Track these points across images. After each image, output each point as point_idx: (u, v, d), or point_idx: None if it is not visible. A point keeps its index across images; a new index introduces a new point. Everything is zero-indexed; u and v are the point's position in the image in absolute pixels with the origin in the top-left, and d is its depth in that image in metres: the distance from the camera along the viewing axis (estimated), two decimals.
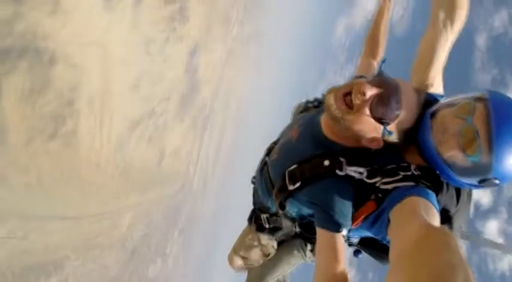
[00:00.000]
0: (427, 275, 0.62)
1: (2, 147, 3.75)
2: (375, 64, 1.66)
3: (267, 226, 1.57)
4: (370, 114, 1.10)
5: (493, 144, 1.02)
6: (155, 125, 8.38)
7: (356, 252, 1.49)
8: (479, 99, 1.07)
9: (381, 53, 1.70)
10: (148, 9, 7.60)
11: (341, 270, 1.08)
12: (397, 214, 1.01)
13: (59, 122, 4.59)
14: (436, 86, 1.37)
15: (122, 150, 6.59)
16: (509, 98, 1.09)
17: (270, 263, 1.69)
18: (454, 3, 1.36)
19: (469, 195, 1.28)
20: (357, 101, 1.10)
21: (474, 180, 1.11)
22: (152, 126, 8.21)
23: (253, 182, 1.62)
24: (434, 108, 1.17)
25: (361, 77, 1.39)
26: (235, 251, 1.76)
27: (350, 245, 1.47)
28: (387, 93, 1.09)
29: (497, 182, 1.07)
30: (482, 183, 1.10)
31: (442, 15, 1.38)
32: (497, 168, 1.04)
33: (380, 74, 1.14)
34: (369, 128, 1.13)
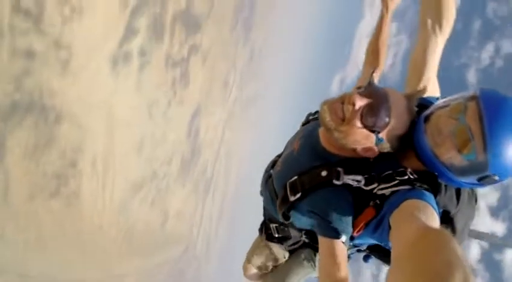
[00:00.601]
0: (425, 275, 0.61)
1: (3, 202, 3.54)
2: (375, 75, 1.61)
3: (276, 235, 1.60)
4: (361, 124, 1.13)
5: (487, 141, 1.02)
6: (158, 188, 8.21)
7: (366, 258, 1.49)
8: (471, 98, 1.07)
9: (382, 62, 1.72)
10: (152, 73, 7.79)
11: (341, 276, 1.11)
12: (396, 218, 1.01)
13: (61, 182, 4.44)
14: (432, 89, 1.38)
15: (124, 213, 6.35)
16: (500, 94, 1.08)
17: (282, 273, 1.73)
18: (440, 7, 1.40)
19: (471, 194, 1.28)
20: (347, 112, 1.14)
21: (473, 179, 1.11)
22: (155, 188, 8.03)
23: (261, 194, 1.65)
24: (427, 111, 1.18)
25: (359, 88, 1.38)
26: (248, 260, 1.83)
27: (359, 251, 1.48)
28: (376, 102, 1.12)
29: (496, 178, 1.08)
30: (482, 180, 1.10)
31: (430, 21, 1.42)
32: (494, 164, 1.04)
33: (369, 84, 1.18)
34: (361, 138, 1.16)
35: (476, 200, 1.30)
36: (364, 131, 1.14)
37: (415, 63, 1.43)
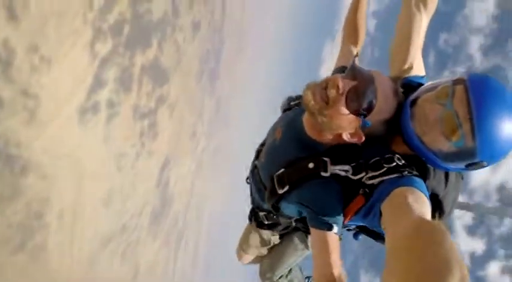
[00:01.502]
0: (421, 270, 0.60)
1: None
2: (355, 51, 1.59)
3: (266, 223, 1.58)
4: (346, 108, 1.09)
5: (475, 127, 0.99)
6: (128, 241, 7.80)
7: (355, 235, 1.48)
8: (458, 81, 1.04)
9: (362, 38, 1.64)
10: (120, 125, 7.70)
11: (335, 266, 1.11)
12: (388, 207, 0.99)
13: (27, 234, 4.12)
14: (417, 68, 1.35)
15: (94, 267, 5.93)
16: (490, 77, 1.05)
17: (277, 255, 1.70)
18: None
19: (458, 175, 1.25)
20: (331, 95, 1.10)
21: (461, 165, 1.09)
22: (125, 241, 7.62)
23: (248, 182, 1.61)
24: (414, 95, 1.15)
25: (342, 67, 1.38)
26: (241, 247, 1.81)
27: (349, 230, 1.47)
28: (361, 85, 1.09)
29: (484, 164, 1.06)
30: (470, 166, 1.08)
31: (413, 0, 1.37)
32: (483, 151, 1.02)
33: (353, 67, 1.14)
34: (347, 122, 1.12)
35: (462, 177, 1.28)
36: (350, 115, 1.10)
37: (400, 43, 1.37)
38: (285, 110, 1.49)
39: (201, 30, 12.37)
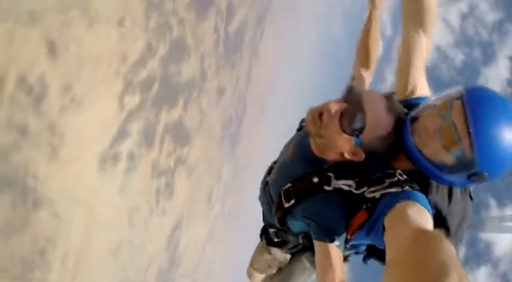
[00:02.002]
0: (419, 277, 0.61)
1: None
2: (366, 74, 1.66)
3: (276, 240, 1.61)
4: (340, 129, 1.16)
5: (472, 137, 1.01)
6: None
7: (364, 259, 1.46)
8: (456, 96, 1.07)
9: (373, 63, 1.68)
10: (137, 179, 7.69)
11: (337, 278, 1.11)
12: (390, 221, 1.00)
13: (27, 268, 3.92)
14: (421, 89, 1.38)
15: None
16: (486, 89, 1.09)
17: (286, 275, 1.70)
18: (421, 7, 1.39)
19: (464, 192, 1.24)
20: (325, 119, 1.17)
21: (463, 177, 1.11)
22: None
23: (260, 200, 1.64)
24: (414, 112, 1.18)
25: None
26: (252, 265, 1.82)
27: (357, 253, 1.46)
28: (351, 106, 1.15)
29: (486, 175, 1.07)
30: (472, 178, 1.09)
31: (412, 22, 1.41)
32: (481, 161, 1.03)
33: (347, 89, 1.21)
34: (344, 142, 1.17)
35: (471, 197, 1.27)
36: (344, 135, 1.16)
37: (401, 66, 1.42)
38: (298, 130, 1.57)
39: (226, 95, 12.82)
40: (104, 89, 6.09)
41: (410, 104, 1.29)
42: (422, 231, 0.83)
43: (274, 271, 1.79)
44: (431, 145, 1.10)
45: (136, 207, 7.90)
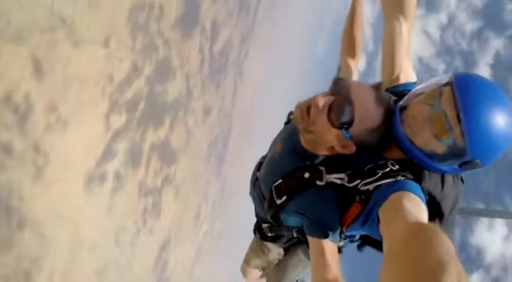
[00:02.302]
0: (417, 272, 0.60)
1: None
2: (353, 63, 1.66)
3: (269, 235, 1.59)
4: (328, 123, 1.15)
5: (463, 125, 1.00)
6: None
7: (359, 247, 1.46)
8: (445, 83, 1.06)
9: (359, 51, 1.67)
10: (124, 198, 7.61)
11: (332, 274, 1.10)
12: (385, 213, 0.99)
13: None
14: (407, 74, 1.37)
15: None
16: (476, 75, 1.07)
17: (281, 269, 1.66)
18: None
19: (456, 177, 1.23)
20: (313, 113, 1.16)
21: (455, 165, 1.11)
22: None
23: (251, 195, 1.63)
24: (403, 101, 1.18)
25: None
26: (246, 261, 1.82)
27: (352, 241, 1.45)
28: (338, 99, 1.14)
29: (478, 162, 1.06)
30: (464, 166, 1.09)
31: (392, 10, 1.42)
32: (473, 148, 1.03)
33: (333, 82, 1.20)
34: (333, 136, 1.17)
35: (462, 181, 1.26)
36: (333, 129, 1.15)
37: (385, 54, 1.43)
38: (285, 123, 1.52)
39: (212, 114, 12.86)
40: (90, 109, 6.07)
41: (398, 91, 1.29)
42: (419, 225, 0.82)
43: (267, 264, 1.76)
44: (422, 134, 1.10)
45: (123, 227, 7.78)
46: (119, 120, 7.14)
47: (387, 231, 0.93)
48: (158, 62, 8.49)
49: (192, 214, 12.92)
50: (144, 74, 7.91)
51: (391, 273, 0.67)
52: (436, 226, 0.74)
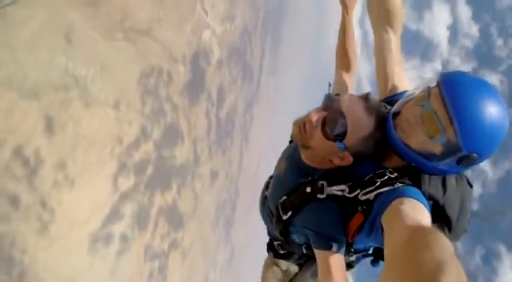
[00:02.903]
0: (416, 274, 0.60)
1: None
2: (348, 78, 1.67)
3: (281, 252, 1.59)
4: (323, 137, 1.17)
5: (453, 120, 1.00)
6: None
7: (373, 263, 1.42)
8: (433, 84, 1.08)
9: (353, 66, 1.69)
10: (129, 262, 7.44)
11: None
12: (387, 220, 1.00)
13: None
14: (402, 83, 1.39)
15: None
16: (461, 72, 1.10)
17: None
18: (387, 10, 1.45)
19: (459, 179, 1.22)
20: (308, 129, 1.19)
21: (453, 162, 1.09)
22: None
23: (261, 214, 1.63)
24: (394, 108, 1.19)
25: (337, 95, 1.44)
26: (262, 278, 1.78)
27: (365, 256, 1.45)
28: (330, 113, 1.17)
29: (475, 156, 1.04)
30: (462, 162, 1.07)
31: (380, 24, 1.46)
32: (466, 143, 1.02)
33: (325, 97, 1.24)
34: (329, 149, 1.18)
35: (471, 185, 1.24)
36: (328, 142, 1.16)
37: (378, 67, 1.45)
38: (290, 142, 1.57)
39: (219, 179, 12.90)
40: (98, 169, 6.18)
41: (394, 100, 1.28)
42: (417, 228, 0.82)
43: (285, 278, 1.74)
44: (415, 136, 1.09)
45: None
46: (126, 183, 7.22)
47: (387, 236, 0.93)
48: (166, 127, 8.79)
49: (200, 280, 12.41)
50: (153, 138, 8.15)
51: (391, 276, 0.67)
52: (434, 228, 0.74)
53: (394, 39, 1.45)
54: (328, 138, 1.16)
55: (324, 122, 1.17)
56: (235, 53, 11.63)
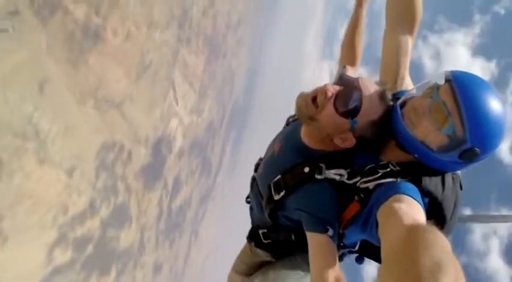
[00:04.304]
0: (415, 273, 0.59)
1: None
2: (351, 73, 1.59)
3: (265, 242, 1.46)
4: (334, 110, 1.11)
5: (461, 111, 1.01)
6: None
7: (358, 259, 1.35)
8: (442, 78, 1.08)
9: (359, 60, 1.65)
10: None
11: (332, 271, 1.03)
12: (383, 216, 0.96)
13: None
14: (408, 84, 1.36)
15: None
16: (469, 72, 1.13)
17: (275, 278, 1.51)
18: (408, 9, 1.39)
19: (455, 179, 1.20)
20: (320, 100, 1.12)
21: (455, 155, 1.06)
22: None
23: (247, 202, 1.56)
24: (403, 98, 1.17)
25: None
26: (235, 269, 1.70)
27: (351, 252, 1.35)
28: (347, 89, 1.12)
29: (477, 151, 1.02)
30: (464, 156, 1.05)
31: (398, 23, 1.40)
32: (472, 136, 1.01)
33: (341, 74, 1.21)
34: (337, 125, 1.12)
35: (461, 186, 1.22)
36: (339, 118, 1.11)
37: (389, 65, 1.40)
38: (286, 125, 1.51)
39: (162, 273, 12.02)
40: (36, 234, 5.79)
41: (398, 97, 1.24)
42: (415, 226, 0.79)
43: (256, 269, 1.66)
44: (422, 125, 1.07)
45: None
46: (63, 257, 6.68)
47: (384, 233, 0.90)
48: (116, 206, 8.49)
49: None
50: (100, 215, 7.79)
51: (389, 275, 0.65)
52: (432, 226, 0.71)
53: (410, 42, 1.40)
54: (339, 113, 1.10)
55: (337, 96, 1.11)
56: (197, 146, 11.95)
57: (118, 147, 7.60)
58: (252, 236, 1.53)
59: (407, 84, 1.35)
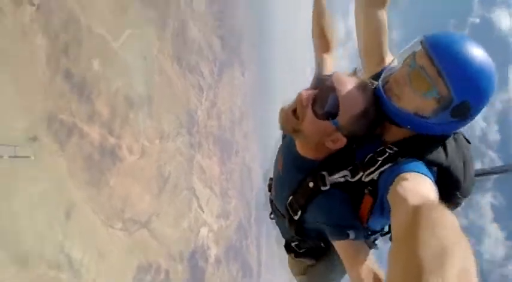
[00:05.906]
0: (422, 256, 0.57)
1: None
2: (329, 57, 1.56)
3: (301, 251, 1.44)
4: (314, 116, 1.09)
5: (440, 70, 0.98)
6: None
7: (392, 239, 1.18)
8: (417, 45, 1.06)
9: (332, 43, 1.59)
10: None
11: (365, 268, 1.03)
12: (392, 197, 0.95)
13: None
14: (390, 58, 1.33)
15: None
16: (440, 31, 1.09)
17: (321, 275, 1.49)
18: None
19: (458, 140, 1.16)
20: (298, 110, 1.11)
21: (447, 116, 1.04)
22: None
23: (271, 218, 1.53)
24: (383, 76, 1.15)
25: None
26: (294, 274, 1.63)
27: (383, 235, 1.31)
28: (321, 91, 1.10)
29: (468, 102, 1.00)
30: (456, 113, 1.03)
31: (373, 3, 1.36)
32: (457, 89, 0.99)
33: (314, 79, 1.23)
34: (321, 129, 1.10)
35: (468, 141, 1.18)
36: (320, 121, 1.08)
37: (370, 45, 1.38)
38: (283, 138, 1.46)
39: None
40: None
41: (381, 74, 1.22)
42: (420, 206, 0.77)
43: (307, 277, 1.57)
44: (407, 96, 1.05)
45: None
46: None
47: (394, 216, 0.87)
48: None
49: None
50: None
51: (399, 257, 0.63)
52: (438, 204, 0.70)
53: (385, 15, 1.37)
54: (319, 117, 1.07)
55: (314, 101, 1.08)
56: (232, 250, 11.33)
57: (154, 268, 7.23)
58: (288, 249, 1.51)
59: (390, 57, 1.33)
